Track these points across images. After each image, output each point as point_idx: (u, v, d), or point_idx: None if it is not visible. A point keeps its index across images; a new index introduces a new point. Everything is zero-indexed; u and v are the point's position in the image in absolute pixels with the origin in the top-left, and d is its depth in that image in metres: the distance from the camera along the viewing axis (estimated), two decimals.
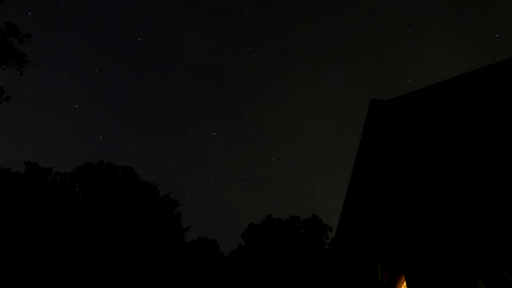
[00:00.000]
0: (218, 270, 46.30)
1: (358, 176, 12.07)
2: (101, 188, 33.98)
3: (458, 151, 8.48)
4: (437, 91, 9.28)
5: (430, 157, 8.70)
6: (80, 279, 28.28)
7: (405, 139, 9.14)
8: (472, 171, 8.15)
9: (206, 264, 44.63)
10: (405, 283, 8.45)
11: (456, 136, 8.69)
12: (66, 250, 28.51)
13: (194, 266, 42.92)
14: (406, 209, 8.44)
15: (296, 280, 46.51)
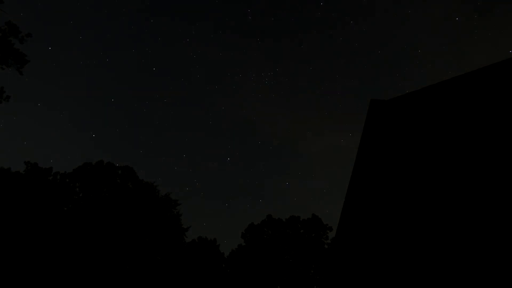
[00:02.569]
0: (218, 270, 46.32)
1: (359, 176, 12.07)
2: (101, 188, 33.98)
3: (458, 151, 8.49)
4: (437, 91, 9.29)
5: (430, 157, 8.70)
6: (80, 279, 28.28)
7: (405, 139, 9.15)
8: (471, 170, 8.16)
9: (206, 264, 44.65)
10: None
11: (455, 136, 8.70)
12: (66, 250, 28.52)
13: (194, 266, 42.93)
14: (406, 208, 8.45)
15: (296, 280, 46.53)
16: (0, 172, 30.09)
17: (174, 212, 36.71)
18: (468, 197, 7.94)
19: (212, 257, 46.50)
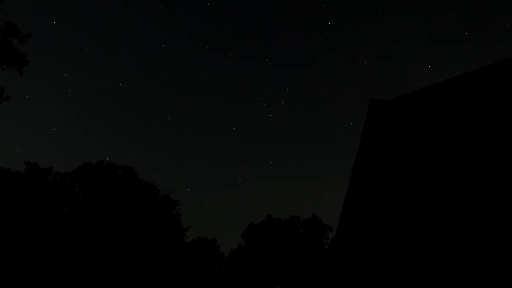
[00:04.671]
0: (218, 270, 46.30)
1: (358, 176, 12.07)
2: (101, 188, 33.97)
3: (458, 151, 8.49)
4: (437, 91, 9.29)
5: (430, 157, 8.70)
6: (80, 279, 28.28)
7: (405, 139, 9.15)
8: (472, 170, 8.15)
9: (206, 264, 44.63)
10: None
11: (455, 136, 8.70)
12: (66, 250, 28.52)
13: (194, 266, 42.92)
14: (406, 208, 8.44)
15: (296, 280, 46.51)
16: (0, 172, 30.08)
17: (174, 212, 36.68)
18: (468, 197, 7.94)
19: (212, 257, 46.47)
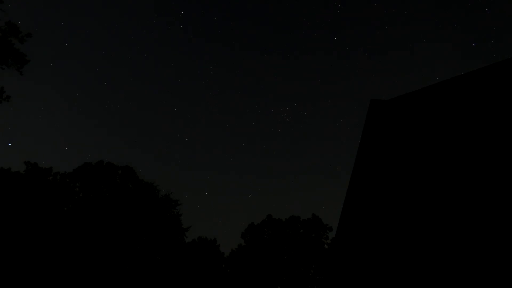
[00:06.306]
0: (218, 270, 46.29)
1: (358, 176, 12.07)
2: (101, 188, 33.95)
3: (458, 151, 8.49)
4: (437, 91, 9.29)
5: (430, 157, 8.70)
6: (80, 279, 28.28)
7: (405, 139, 9.15)
8: (471, 170, 8.15)
9: (206, 264, 44.63)
10: None
11: (455, 136, 8.70)
12: (66, 250, 28.51)
13: (194, 266, 42.92)
14: (406, 208, 8.44)
15: (296, 280, 46.50)
16: (0, 172, 30.07)
17: (174, 212, 36.66)
18: (468, 197, 7.94)
19: (212, 257, 46.46)
